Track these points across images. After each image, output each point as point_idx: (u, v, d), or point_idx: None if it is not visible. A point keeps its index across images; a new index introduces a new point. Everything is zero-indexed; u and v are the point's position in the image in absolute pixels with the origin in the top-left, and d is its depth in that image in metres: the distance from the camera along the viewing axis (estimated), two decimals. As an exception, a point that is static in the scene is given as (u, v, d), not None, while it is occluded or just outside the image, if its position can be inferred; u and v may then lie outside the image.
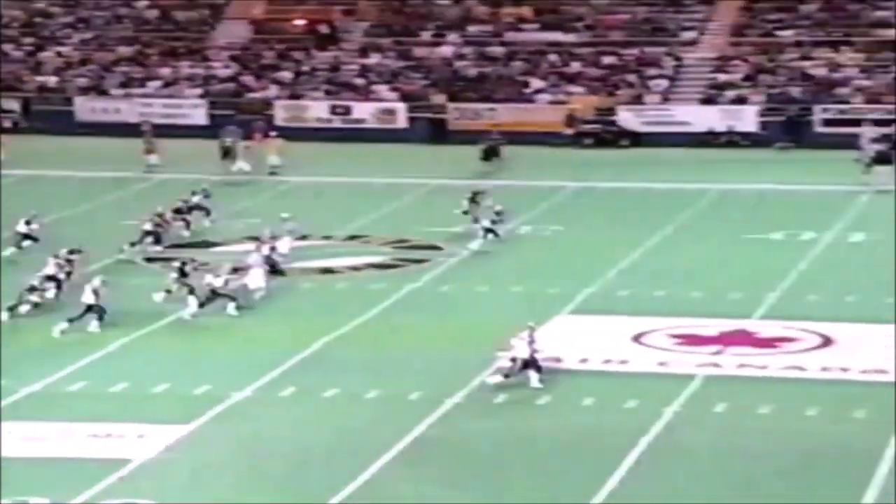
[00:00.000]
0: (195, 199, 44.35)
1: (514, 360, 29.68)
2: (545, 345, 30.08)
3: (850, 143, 52.42)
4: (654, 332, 33.07)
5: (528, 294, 36.53)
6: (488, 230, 41.25)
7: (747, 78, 60.86)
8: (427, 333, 33.64)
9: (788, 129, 57.59)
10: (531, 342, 29.58)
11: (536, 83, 62.36)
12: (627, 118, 59.65)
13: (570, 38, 64.68)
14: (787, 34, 62.69)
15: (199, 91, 63.81)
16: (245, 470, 25.40)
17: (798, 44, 62.01)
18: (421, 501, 24.07)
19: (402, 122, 61.41)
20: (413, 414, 27.89)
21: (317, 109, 62.11)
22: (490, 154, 54.30)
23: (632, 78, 61.99)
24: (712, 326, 33.42)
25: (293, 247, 39.44)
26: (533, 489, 24.48)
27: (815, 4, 63.55)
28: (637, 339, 32.71)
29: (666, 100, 60.71)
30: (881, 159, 49.60)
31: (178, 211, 43.23)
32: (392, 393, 29.20)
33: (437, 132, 60.38)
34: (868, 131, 53.77)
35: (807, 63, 60.91)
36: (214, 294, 34.95)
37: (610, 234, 42.12)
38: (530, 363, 29.46)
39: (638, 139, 58.51)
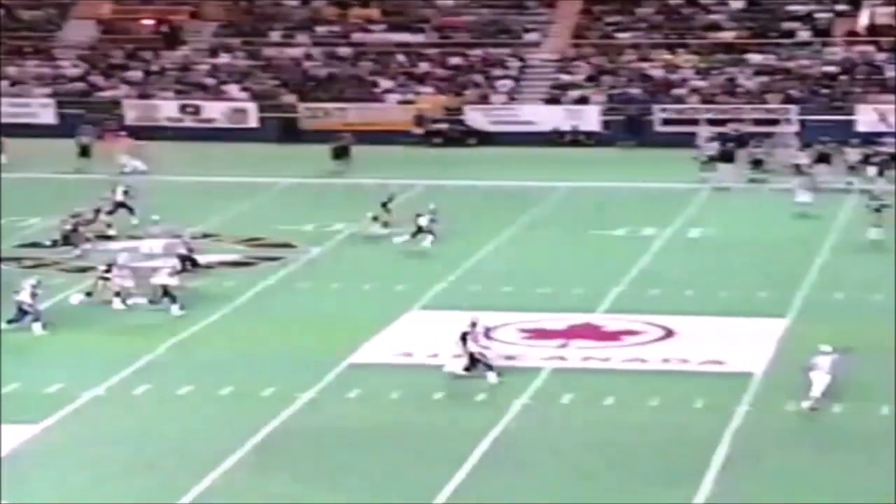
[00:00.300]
0: (119, 197, 43.68)
1: (471, 355, 29.71)
2: (400, 341, 30.13)
3: (688, 141, 53.38)
4: (502, 326, 33.32)
5: (379, 291, 36.60)
6: (421, 230, 40.70)
7: (589, 78, 61.62)
8: (280, 330, 33.51)
9: (629, 129, 58.46)
10: (477, 336, 29.77)
11: (385, 83, 62.48)
12: (475, 118, 60.04)
13: (417, 38, 64.91)
14: (625, 36, 63.61)
15: (47, 90, 62.80)
16: (95, 469, 25.04)
17: (636, 46, 62.95)
18: (270, 497, 23.92)
19: (252, 121, 61.08)
20: (266, 410, 27.77)
21: (167, 109, 61.51)
22: (341, 153, 54.25)
23: (478, 78, 62.40)
24: (559, 321, 33.80)
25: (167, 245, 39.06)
26: (381, 484, 24.46)
27: (651, 7, 64.55)
28: (486, 333, 32.90)
29: (512, 99, 61.23)
30: (724, 157, 50.52)
31: (98, 211, 42.45)
32: (245, 389, 29.05)
33: (288, 132, 60.17)
34: (704, 130, 54.81)
35: (645, 64, 61.86)
36: (166, 293, 34.48)
37: (459, 231, 42.35)
38: (478, 357, 29.54)
39: (485, 138, 58.93)
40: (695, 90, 59.76)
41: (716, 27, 63.24)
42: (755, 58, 61.02)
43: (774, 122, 56.77)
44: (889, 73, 58.63)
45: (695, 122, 56.94)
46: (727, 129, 55.38)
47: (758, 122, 56.79)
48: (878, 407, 27.60)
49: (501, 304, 35.32)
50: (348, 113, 60.27)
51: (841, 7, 62.57)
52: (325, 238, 42.19)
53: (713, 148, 51.70)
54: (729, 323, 33.32)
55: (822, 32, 62.02)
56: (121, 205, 43.47)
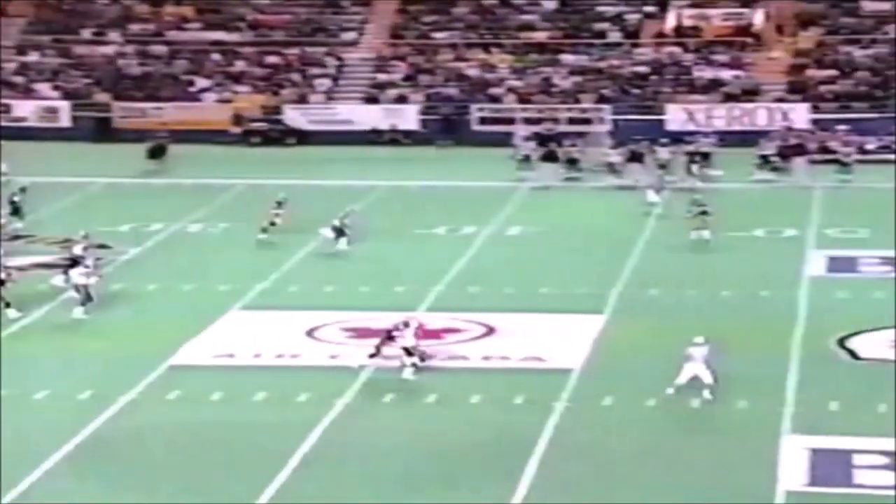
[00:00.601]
0: (16, 199, 42.36)
1: (405, 349, 29.71)
2: (221, 342, 29.77)
3: (505, 140, 53.81)
4: (325, 325, 33.15)
5: (199, 291, 36.11)
6: (342, 232, 40.31)
7: (407, 78, 61.75)
8: (98, 333, 32.85)
9: (447, 128, 58.74)
10: (416, 332, 29.75)
11: (201, 82, 61.78)
12: (294, 117, 59.73)
13: (233, 37, 64.32)
14: (441, 36, 63.89)
15: None
16: None
17: (453, 45, 63.26)
18: (89, 499, 23.38)
19: (65, 120, 59.92)
20: (84, 413, 27.18)
21: (-26, 108, 60.03)
22: (156, 153, 53.49)
23: (296, 77, 62.07)
24: (382, 319, 33.69)
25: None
26: (202, 486, 24.10)
27: (466, 7, 64.93)
28: (309, 333, 32.74)
29: (330, 99, 61.05)
30: (547, 157, 50.99)
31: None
32: (62, 393, 28.41)
33: (101, 131, 59.18)
34: (521, 129, 55.30)
35: (462, 64, 62.20)
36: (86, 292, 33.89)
37: (280, 230, 42.02)
38: (416, 352, 29.57)
39: (304, 137, 58.67)
40: (511, 90, 60.25)
41: (530, 27, 63.88)
42: (569, 58, 61.80)
43: (588, 121, 57.53)
44: (697, 74, 59.82)
45: (511, 121, 57.45)
46: (541, 128, 55.94)
47: (572, 121, 57.48)
48: (690, 400, 28.08)
49: (323, 303, 35.13)
50: (164, 112, 59.48)
51: (649, 9, 63.69)
52: (143, 238, 41.49)
53: (530, 147, 52.18)
54: (548, 320, 33.60)
55: (632, 34, 63.08)
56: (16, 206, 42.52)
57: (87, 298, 34.07)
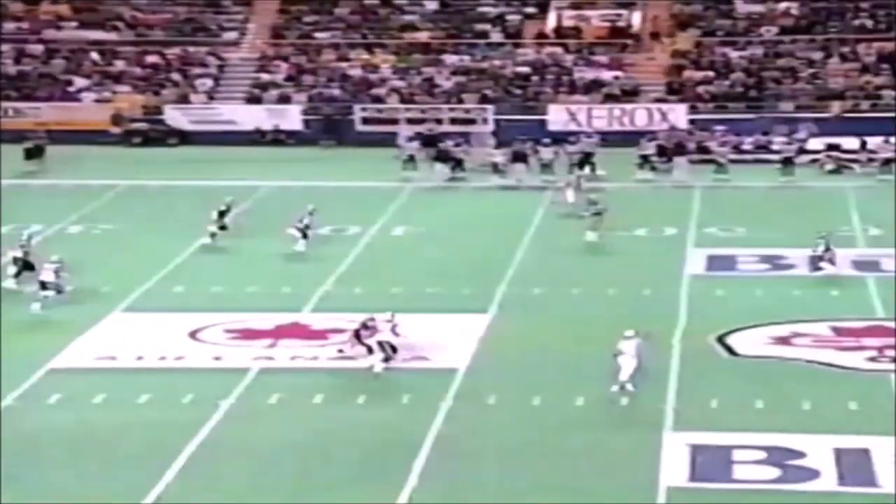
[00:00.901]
0: None
1: (381, 343, 29.93)
2: (102, 345, 29.53)
3: (389, 140, 53.92)
4: (209, 327, 33.00)
5: (80, 293, 35.70)
6: (305, 233, 40.25)
7: (289, 78, 61.58)
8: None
9: (330, 128, 58.65)
10: (393, 326, 30.05)
11: (80, 82, 61.09)
12: (175, 117, 59.29)
13: (111, 36, 63.68)
14: (324, 36, 63.82)
15: None
16: None
17: (335, 45, 63.22)
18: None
19: (-61, 120, 58.91)
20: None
21: None
22: (34, 153, 52.83)
23: (177, 77, 61.62)
24: (266, 320, 33.67)
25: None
26: (85, 489, 23.96)
27: (348, 7, 64.92)
28: (193, 335, 32.58)
29: (212, 98, 60.68)
30: (439, 157, 51.15)
31: None
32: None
33: (-23, 131, 58.18)
34: (404, 130, 55.44)
35: (344, 64, 62.18)
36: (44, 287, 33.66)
37: (162, 231, 41.71)
38: (390, 346, 29.90)
39: (186, 138, 58.28)
40: (394, 90, 60.36)
41: (412, 28, 64.04)
42: (451, 58, 62.03)
43: (471, 121, 57.81)
44: (577, 74, 60.38)
45: (395, 121, 57.56)
46: (424, 128, 56.12)
47: (455, 121, 57.72)
48: (574, 398, 28.42)
49: (207, 304, 34.97)
50: (42, 112, 58.69)
51: (530, 10, 64.16)
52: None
53: (413, 147, 52.32)
54: (434, 320, 33.72)
55: (513, 34, 63.51)
56: None
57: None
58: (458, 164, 51.19)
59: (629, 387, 28.48)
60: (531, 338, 32.30)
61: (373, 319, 30.74)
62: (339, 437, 26.58)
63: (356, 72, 61.66)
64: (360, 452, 25.84)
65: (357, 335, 30.81)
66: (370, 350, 30.36)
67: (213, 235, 40.79)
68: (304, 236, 40.21)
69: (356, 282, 37.36)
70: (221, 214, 41.42)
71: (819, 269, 37.34)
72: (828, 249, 37.34)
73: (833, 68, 59.12)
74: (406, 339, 30.79)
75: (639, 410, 27.80)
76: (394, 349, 30.39)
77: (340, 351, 31.11)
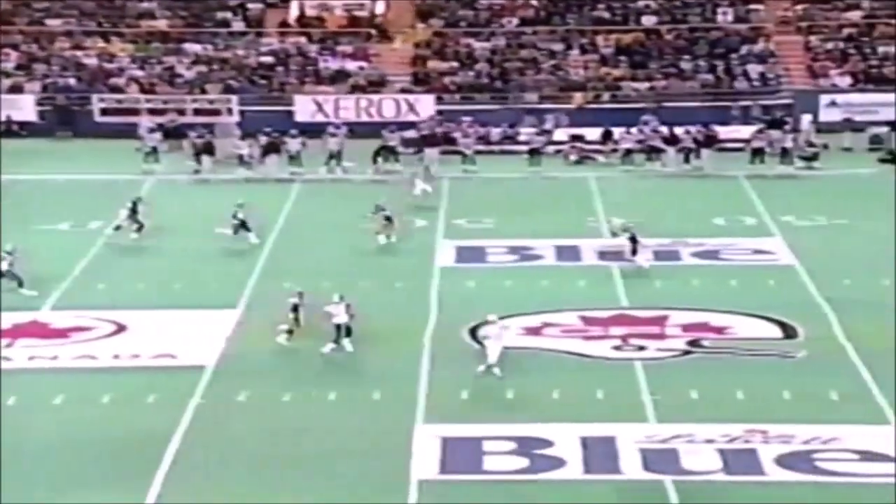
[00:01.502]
0: None
1: (338, 326, 30.47)
2: None
3: (131, 132, 53.27)
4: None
5: None
6: (245, 225, 39.73)
7: (20, 67, 60.25)
8: None
9: (66, 119, 57.59)
10: (347, 307, 30.52)
11: None
12: None
13: None
14: (56, 23, 62.62)
15: None
16: None
17: (69, 33, 62.11)
18: None
19: None
20: None
21: None
22: None
23: None
24: (4, 319, 33.05)
25: None
26: None
27: (81, -6, 63.90)
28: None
29: (-64, 89, 58.98)
30: (206, 149, 50.72)
31: None
32: None
33: None
34: (145, 121, 54.83)
35: (79, 52, 61.13)
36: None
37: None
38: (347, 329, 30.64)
39: None
40: (133, 80, 59.61)
41: (150, 15, 63.33)
42: (192, 47, 61.58)
43: (215, 112, 57.51)
44: (322, 64, 60.63)
45: (135, 112, 56.86)
46: (165, 119, 55.60)
47: (199, 112, 57.32)
48: (325, 394, 28.74)
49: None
50: None
51: (272, -2, 64.21)
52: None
53: (155, 139, 51.80)
54: (181, 315, 33.65)
55: (256, 23, 63.40)
56: None
57: None
58: (201, 155, 50.77)
59: (496, 371, 29.21)
60: (280, 332, 32.44)
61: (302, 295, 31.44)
62: (83, 438, 26.37)
63: (92, 61, 60.69)
64: (106, 453, 25.74)
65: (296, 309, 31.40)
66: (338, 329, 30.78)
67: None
68: (248, 229, 39.77)
69: (99, 278, 36.95)
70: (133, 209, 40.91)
71: (632, 261, 37.56)
72: (634, 241, 37.67)
73: (574, 59, 60.70)
74: (159, 337, 30.68)
75: (390, 404, 28.26)
76: (349, 331, 30.91)
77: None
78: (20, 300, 34.75)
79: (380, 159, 50.52)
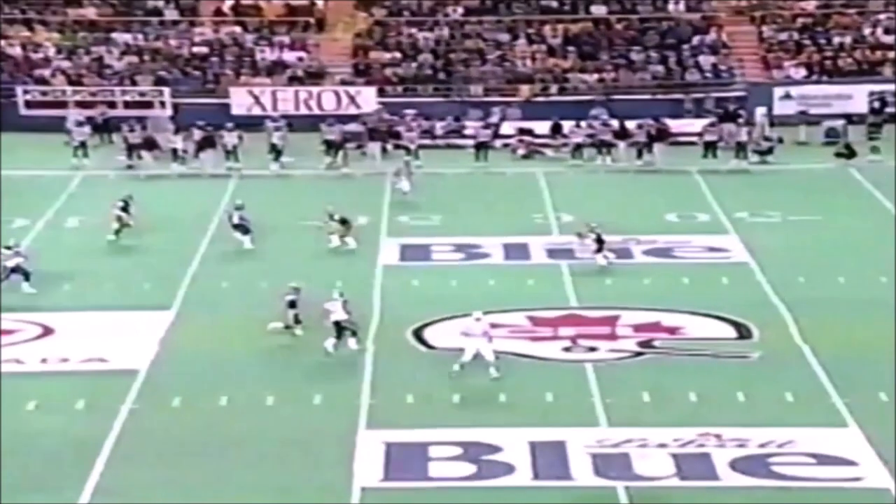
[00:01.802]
0: None
1: (336, 324, 30.54)
2: None
3: (58, 125, 52.93)
4: None
5: None
6: (238, 227, 39.47)
7: (-62, 57, 59.80)
8: None
9: (-10, 111, 57.10)
10: (345, 304, 30.68)
11: None
12: None
13: None
14: (-25, 11, 62.18)
15: None
16: None
17: (-10, 22, 61.74)
18: None
19: None
20: None
21: None
22: None
23: None
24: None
25: None
26: None
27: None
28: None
29: None
30: (147, 145, 50.44)
31: None
32: None
33: None
34: (74, 114, 54.49)
35: (3, 42, 60.63)
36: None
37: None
38: (346, 326, 30.69)
39: None
40: (60, 71, 59.21)
41: (77, 3, 62.91)
42: (122, 37, 61.22)
43: (148, 104, 57.20)
44: (259, 56, 60.44)
45: (63, 104, 56.49)
46: (95, 112, 55.26)
47: (129, 105, 57.01)
48: (263, 397, 28.67)
49: None
50: None
51: (202, -13, 63.91)
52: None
53: (84, 133, 51.48)
54: (112, 318, 33.47)
55: (189, 11, 63.12)
56: None
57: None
58: (133, 149, 50.52)
59: (493, 371, 29.35)
60: (216, 336, 32.40)
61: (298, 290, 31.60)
62: (7, 447, 26.20)
63: (16, 51, 60.23)
64: (34, 462, 25.59)
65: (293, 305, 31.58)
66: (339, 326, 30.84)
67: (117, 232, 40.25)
68: (247, 231, 39.57)
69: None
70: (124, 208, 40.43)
71: (592, 259, 37.60)
72: (600, 241, 37.65)
73: (521, 50, 60.80)
74: (89, 340, 30.56)
75: (331, 408, 28.23)
76: (353, 331, 31.06)
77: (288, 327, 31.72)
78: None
79: (335, 154, 50.36)
